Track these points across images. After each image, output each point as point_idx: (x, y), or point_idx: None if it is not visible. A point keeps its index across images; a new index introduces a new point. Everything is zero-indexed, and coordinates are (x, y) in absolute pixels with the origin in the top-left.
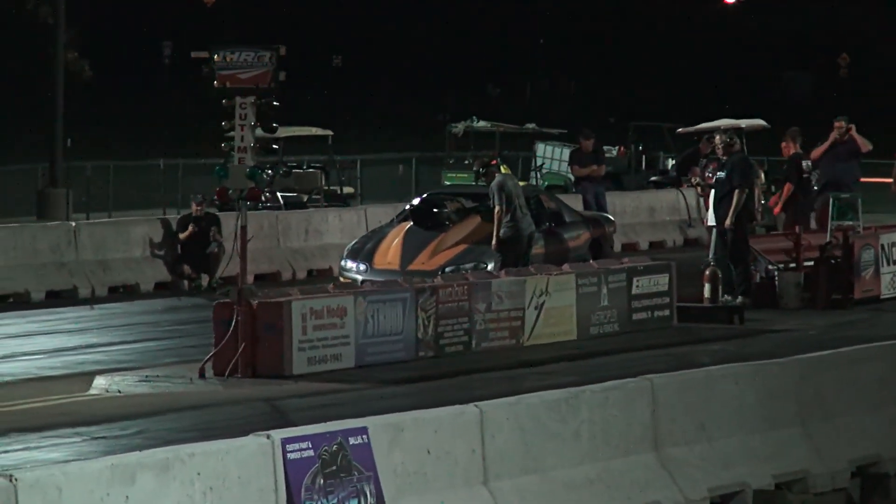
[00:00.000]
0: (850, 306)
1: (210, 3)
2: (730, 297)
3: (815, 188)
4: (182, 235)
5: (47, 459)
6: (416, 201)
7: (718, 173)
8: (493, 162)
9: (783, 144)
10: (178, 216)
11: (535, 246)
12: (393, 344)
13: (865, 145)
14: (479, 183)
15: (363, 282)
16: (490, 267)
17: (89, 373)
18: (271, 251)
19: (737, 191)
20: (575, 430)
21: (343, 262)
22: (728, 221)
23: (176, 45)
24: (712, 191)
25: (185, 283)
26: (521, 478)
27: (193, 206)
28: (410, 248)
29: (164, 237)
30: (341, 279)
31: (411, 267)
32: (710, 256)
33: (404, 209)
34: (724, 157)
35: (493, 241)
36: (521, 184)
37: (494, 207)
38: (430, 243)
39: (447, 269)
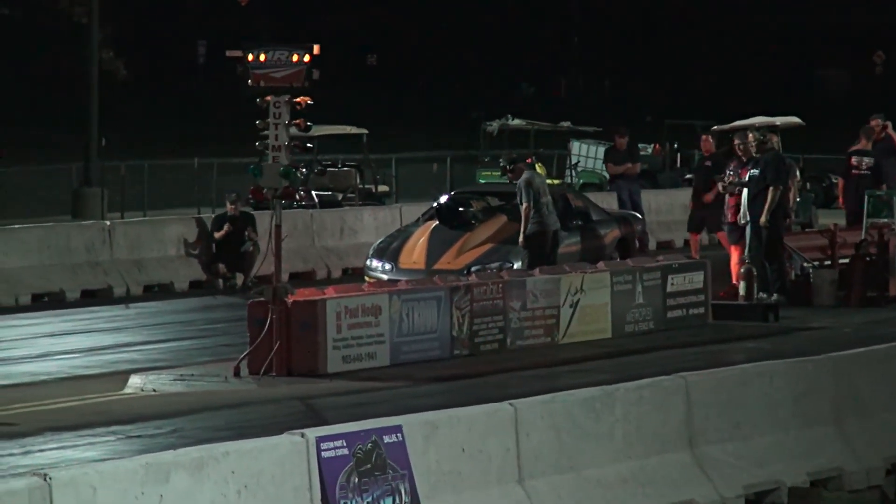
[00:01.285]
0: (885, 304)
1: (245, 3)
2: (765, 295)
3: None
4: (217, 235)
5: (82, 458)
6: (441, 200)
7: (752, 171)
8: (529, 160)
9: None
10: (213, 215)
11: (570, 244)
12: (428, 342)
13: None
14: (506, 178)
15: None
16: (516, 266)
17: (124, 372)
18: (306, 250)
19: (771, 188)
20: (609, 428)
21: (368, 262)
22: (763, 219)
23: (211, 44)
24: (745, 189)
25: (220, 281)
26: (555, 476)
27: (228, 205)
28: (436, 248)
29: (198, 236)
30: (367, 278)
31: (437, 266)
32: (746, 254)
33: (430, 208)
34: (758, 155)
35: (521, 238)
36: (551, 182)
37: (521, 204)
38: (456, 242)
39: (473, 269)
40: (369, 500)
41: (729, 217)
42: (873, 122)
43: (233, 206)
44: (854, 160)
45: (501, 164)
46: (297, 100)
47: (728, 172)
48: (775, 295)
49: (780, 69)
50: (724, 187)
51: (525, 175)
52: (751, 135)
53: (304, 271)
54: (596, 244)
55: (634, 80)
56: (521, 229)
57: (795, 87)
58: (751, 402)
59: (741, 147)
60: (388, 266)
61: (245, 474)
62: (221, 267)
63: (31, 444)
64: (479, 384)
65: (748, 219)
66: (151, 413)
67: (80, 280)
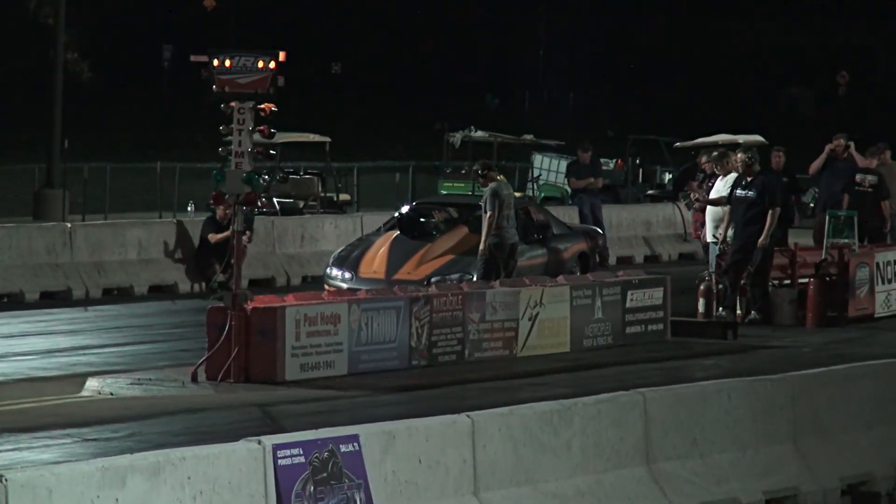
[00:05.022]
0: (844, 324)
1: (211, 8)
2: (724, 312)
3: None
4: (214, 238)
5: (38, 460)
6: (403, 210)
7: (746, 192)
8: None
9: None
10: (206, 218)
11: (534, 257)
12: (386, 352)
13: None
14: (478, 186)
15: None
16: (476, 277)
17: (82, 374)
18: (266, 257)
19: (771, 211)
20: (566, 442)
21: (328, 270)
22: (763, 240)
23: (176, 48)
24: (708, 207)
25: (215, 280)
26: (511, 489)
27: (219, 210)
28: (396, 258)
29: (179, 239)
30: (326, 287)
31: (397, 276)
32: (707, 271)
33: (391, 218)
34: (736, 174)
35: (481, 246)
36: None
37: (486, 213)
38: (417, 253)
39: (433, 279)
40: None
41: (692, 233)
42: (835, 142)
43: (226, 211)
44: (857, 178)
45: (475, 168)
46: (262, 106)
47: (700, 192)
48: (753, 313)
49: (746, 87)
50: (687, 203)
51: (493, 185)
52: (739, 155)
53: (265, 278)
54: (556, 258)
55: (599, 95)
56: (483, 237)
57: (761, 106)
58: (709, 419)
59: (717, 165)
60: (348, 275)
61: (201, 480)
62: (218, 267)
63: None
64: (436, 395)
65: (715, 237)
66: (108, 416)
67: (39, 281)
